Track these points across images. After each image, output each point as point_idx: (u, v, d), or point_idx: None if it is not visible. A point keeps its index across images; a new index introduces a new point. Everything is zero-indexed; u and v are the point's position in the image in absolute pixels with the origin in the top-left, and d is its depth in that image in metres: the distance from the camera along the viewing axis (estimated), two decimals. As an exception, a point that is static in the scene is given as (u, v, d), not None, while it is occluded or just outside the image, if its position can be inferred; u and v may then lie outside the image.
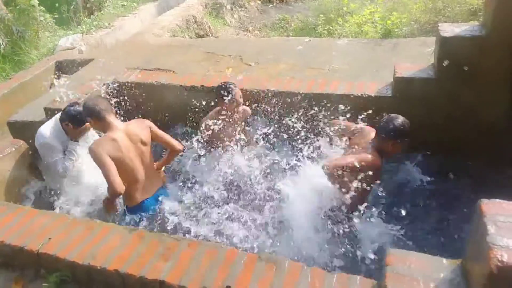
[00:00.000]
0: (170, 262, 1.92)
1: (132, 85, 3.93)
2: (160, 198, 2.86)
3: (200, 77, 3.82)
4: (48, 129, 3.04)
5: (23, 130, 3.55)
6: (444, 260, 1.73)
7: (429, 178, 3.09)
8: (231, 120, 3.19)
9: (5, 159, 2.96)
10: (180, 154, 3.05)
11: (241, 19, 8.38)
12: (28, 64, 5.55)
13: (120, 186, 2.46)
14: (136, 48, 5.12)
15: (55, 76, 4.94)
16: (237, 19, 8.34)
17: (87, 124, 2.95)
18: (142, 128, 2.73)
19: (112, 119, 2.64)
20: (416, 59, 3.63)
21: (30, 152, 3.16)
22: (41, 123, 3.49)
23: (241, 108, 3.24)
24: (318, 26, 6.69)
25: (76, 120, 2.94)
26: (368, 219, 2.66)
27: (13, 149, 3.03)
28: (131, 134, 2.65)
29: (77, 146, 3.09)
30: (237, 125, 3.26)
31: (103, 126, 2.64)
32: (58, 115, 3.08)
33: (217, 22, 7.73)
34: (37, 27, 6.14)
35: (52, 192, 3.18)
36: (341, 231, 2.60)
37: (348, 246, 2.67)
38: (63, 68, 4.97)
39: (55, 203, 3.05)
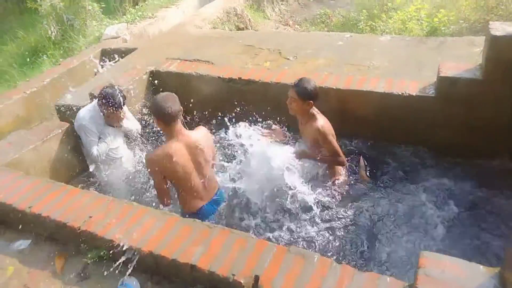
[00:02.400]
0: (202, 247, 1.97)
1: (172, 74, 4.03)
2: (217, 202, 2.85)
3: (238, 70, 3.86)
4: (86, 112, 3.19)
5: (69, 113, 3.74)
6: (481, 267, 1.67)
7: (464, 183, 2.99)
8: None
9: (52, 140, 3.13)
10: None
11: (281, 13, 8.34)
12: (76, 51, 5.81)
13: (165, 200, 2.62)
14: (177, 39, 5.23)
15: (100, 63, 5.16)
16: (278, 13, 8.30)
17: (121, 111, 3.05)
18: (204, 137, 2.70)
19: (177, 125, 2.54)
20: (463, 59, 3.48)
21: (74, 134, 3.31)
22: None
23: None
24: (360, 21, 6.54)
25: (106, 102, 2.99)
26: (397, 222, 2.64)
27: (60, 130, 3.19)
28: (192, 145, 2.59)
29: (111, 131, 3.21)
30: None
31: (165, 129, 2.57)
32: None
33: (257, 15, 7.73)
34: (85, 16, 6.40)
35: (92, 173, 3.35)
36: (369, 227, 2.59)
37: (377, 243, 2.65)
38: (108, 55, 5.16)
39: (94, 184, 3.21)
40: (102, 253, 2.16)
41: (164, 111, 2.44)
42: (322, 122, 2.81)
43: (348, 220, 2.83)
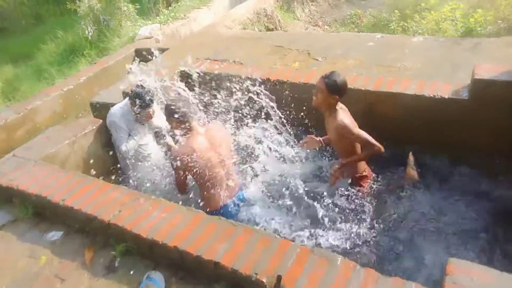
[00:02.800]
0: (226, 245, 2.00)
1: (202, 74, 4.09)
2: (240, 201, 2.87)
3: (267, 70, 3.87)
4: (117, 109, 3.30)
5: (103, 110, 3.87)
6: (512, 277, 1.61)
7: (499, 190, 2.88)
8: None
9: (86, 135, 3.26)
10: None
11: (311, 14, 8.29)
12: (111, 50, 6.00)
13: (182, 192, 2.76)
14: (208, 39, 5.30)
15: (134, 63, 5.31)
16: (307, 13, 8.26)
17: (150, 109, 3.13)
18: (222, 131, 2.79)
19: (194, 123, 2.68)
20: (500, 61, 3.34)
21: (107, 131, 3.43)
22: (119, 105, 3.79)
23: None
24: (392, 22, 6.42)
25: (137, 101, 3.10)
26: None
27: (94, 127, 3.32)
28: (211, 139, 2.70)
29: (141, 128, 3.30)
30: None
31: (183, 129, 2.68)
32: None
33: (287, 16, 7.72)
34: (120, 16, 6.60)
35: (122, 169, 3.45)
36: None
37: (400, 247, 2.60)
38: (142, 55, 5.30)
39: (124, 179, 3.31)
40: (129, 247, 2.23)
41: (180, 111, 2.60)
42: (342, 116, 2.75)
43: (371, 221, 2.78)
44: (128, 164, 3.36)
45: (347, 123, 2.72)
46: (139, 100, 3.08)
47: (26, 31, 8.68)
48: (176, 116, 2.63)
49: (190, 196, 2.90)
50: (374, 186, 3.02)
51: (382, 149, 2.76)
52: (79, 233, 2.45)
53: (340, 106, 2.85)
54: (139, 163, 3.34)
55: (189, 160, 2.58)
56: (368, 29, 6.86)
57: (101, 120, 3.43)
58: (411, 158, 3.12)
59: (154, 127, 3.41)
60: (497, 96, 2.82)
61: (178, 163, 2.59)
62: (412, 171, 3.08)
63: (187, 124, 2.66)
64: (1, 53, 7.58)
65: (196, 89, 3.96)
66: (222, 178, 2.76)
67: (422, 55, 3.88)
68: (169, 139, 2.96)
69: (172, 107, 2.65)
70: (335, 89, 2.68)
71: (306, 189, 2.92)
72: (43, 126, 3.97)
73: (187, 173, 2.69)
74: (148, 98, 3.09)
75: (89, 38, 6.50)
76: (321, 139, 3.08)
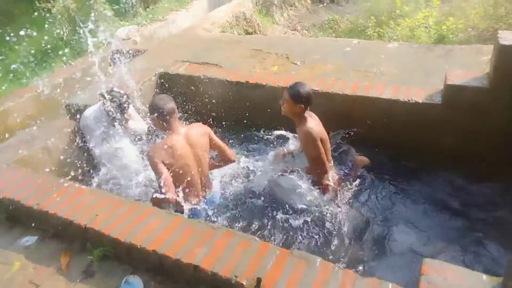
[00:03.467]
0: (205, 248, 1.99)
1: (180, 77, 4.08)
2: (210, 204, 2.88)
3: (246, 73, 3.89)
4: (91, 111, 3.25)
5: (78, 112, 3.79)
6: (484, 276, 1.67)
7: (468, 191, 2.99)
8: None
9: (61, 138, 3.19)
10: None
11: (290, 18, 8.38)
12: (86, 52, 5.88)
13: (172, 192, 2.56)
14: (186, 42, 5.28)
15: (111, 65, 5.22)
16: (286, 18, 8.35)
17: (126, 112, 3.11)
18: (202, 134, 2.79)
19: (175, 122, 2.69)
20: (470, 67, 3.48)
21: (82, 133, 3.36)
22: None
23: None
24: (368, 28, 6.56)
25: (112, 105, 3.08)
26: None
27: (69, 129, 3.24)
28: (190, 139, 2.70)
29: (115, 131, 3.25)
30: None
31: (164, 127, 2.68)
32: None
33: (266, 20, 7.78)
34: (97, 17, 6.49)
35: (98, 172, 3.39)
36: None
37: (375, 246, 2.65)
38: (118, 57, 5.22)
39: (99, 183, 3.25)
40: (107, 251, 2.19)
41: (163, 108, 2.59)
42: (310, 125, 2.79)
43: (345, 224, 2.82)
44: (103, 166, 3.30)
45: (308, 134, 2.76)
46: (114, 103, 3.03)
47: (-4, 30, 8.38)
48: (158, 113, 2.62)
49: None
50: (343, 191, 3.06)
51: (327, 167, 2.87)
52: (54, 238, 2.39)
53: (310, 115, 2.90)
54: (116, 166, 3.29)
55: (166, 158, 2.57)
56: (346, 35, 6.99)
57: (75, 122, 3.35)
58: (351, 150, 3.23)
59: (130, 130, 3.36)
60: (469, 101, 2.93)
61: (155, 160, 2.55)
62: (360, 157, 3.18)
63: (167, 123, 2.65)
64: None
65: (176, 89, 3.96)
66: (197, 180, 2.77)
67: (397, 61, 3.99)
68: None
69: (156, 104, 2.63)
70: (299, 99, 2.74)
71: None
72: (16, 129, 3.85)
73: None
74: (124, 101, 3.05)
75: (64, 38, 6.36)
76: (285, 151, 3.13)
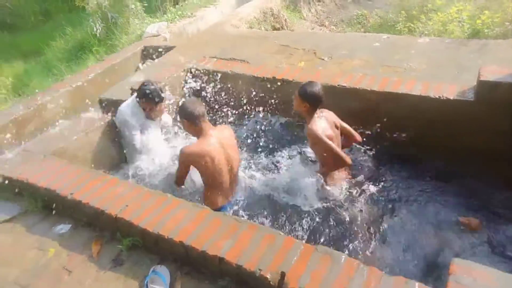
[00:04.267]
0: (230, 241, 2.03)
1: (208, 72, 4.13)
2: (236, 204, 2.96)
3: (272, 69, 3.90)
4: (127, 107, 3.34)
5: (111, 107, 3.92)
6: (516, 278, 1.63)
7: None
8: None
9: (95, 131, 3.30)
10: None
11: (317, 13, 8.29)
12: (118, 48, 6.05)
13: (179, 185, 2.84)
14: (214, 38, 5.34)
15: (141, 60, 5.35)
16: (314, 13, 8.26)
17: (162, 105, 3.18)
18: (231, 135, 2.87)
19: (205, 125, 2.74)
20: (506, 63, 3.34)
21: (115, 127, 3.47)
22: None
23: None
24: (399, 23, 6.41)
25: (148, 98, 3.17)
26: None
27: (102, 123, 3.36)
28: (222, 141, 2.77)
29: (151, 124, 3.36)
30: None
31: (195, 130, 2.75)
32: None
33: (294, 16, 7.73)
34: (128, 14, 6.64)
35: (130, 165, 3.50)
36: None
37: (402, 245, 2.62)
38: (149, 53, 5.35)
39: (130, 174, 3.36)
40: (136, 241, 2.26)
41: (192, 112, 2.66)
42: (313, 125, 2.82)
43: (363, 222, 2.83)
44: (135, 159, 3.41)
45: (312, 133, 2.78)
46: (151, 96, 3.14)
47: (35, 28, 8.74)
48: (188, 118, 2.69)
49: (189, 191, 3.01)
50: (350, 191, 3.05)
51: (349, 161, 2.85)
52: (86, 227, 2.49)
53: (320, 115, 2.91)
54: (149, 158, 3.39)
55: (200, 161, 2.65)
56: (374, 30, 6.85)
57: (109, 116, 3.47)
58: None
59: (164, 123, 3.46)
60: (503, 99, 2.83)
61: (187, 161, 2.67)
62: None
63: (198, 126, 2.71)
64: (11, 49, 7.65)
65: (209, 89, 4.03)
66: (227, 181, 2.82)
67: (428, 56, 3.89)
68: None
69: (186, 108, 2.70)
70: (305, 97, 2.82)
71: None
72: (52, 121, 4.02)
73: (190, 169, 2.77)
74: (159, 94, 3.15)
75: (97, 35, 6.54)
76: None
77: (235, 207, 2.95)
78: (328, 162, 2.88)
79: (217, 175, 2.72)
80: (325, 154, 2.83)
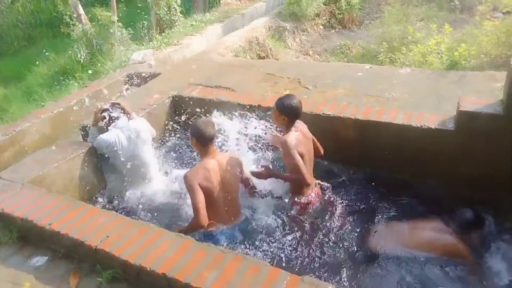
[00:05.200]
0: (215, 272, 1.98)
1: (193, 100, 4.14)
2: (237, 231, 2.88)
3: (258, 97, 3.94)
4: (108, 135, 3.30)
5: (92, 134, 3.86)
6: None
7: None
8: None
9: (74, 159, 3.22)
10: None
11: (302, 43, 8.50)
12: (102, 74, 6.04)
13: (205, 219, 2.58)
14: (200, 66, 5.38)
15: (125, 87, 5.34)
16: (298, 43, 8.47)
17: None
18: (235, 164, 2.88)
19: (212, 148, 2.78)
20: (483, 94, 3.47)
21: (98, 155, 3.40)
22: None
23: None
24: (380, 53, 6.61)
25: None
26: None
27: (83, 150, 3.29)
28: (223, 167, 2.77)
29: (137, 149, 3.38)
30: None
31: (201, 150, 2.78)
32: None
33: (279, 45, 7.90)
34: (113, 41, 6.69)
35: (113, 195, 3.42)
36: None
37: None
38: (133, 80, 5.35)
39: (112, 204, 3.29)
40: (116, 273, 2.18)
41: (204, 133, 2.70)
42: (288, 138, 2.83)
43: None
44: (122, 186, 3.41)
45: (286, 143, 2.80)
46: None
47: (17, 53, 8.71)
48: (198, 137, 2.72)
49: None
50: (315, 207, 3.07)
51: (307, 180, 2.88)
52: (64, 259, 2.39)
53: (297, 128, 2.94)
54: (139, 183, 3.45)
55: (202, 180, 2.64)
56: (357, 60, 7.05)
57: (90, 144, 3.40)
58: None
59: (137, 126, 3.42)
60: (482, 128, 2.91)
61: (195, 182, 2.61)
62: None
63: (205, 147, 2.75)
64: (-9, 73, 7.57)
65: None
66: (221, 206, 2.78)
67: (410, 86, 4.00)
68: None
69: (198, 127, 2.72)
70: (283, 110, 2.86)
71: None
72: (32, 149, 3.92)
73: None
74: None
75: (81, 61, 6.54)
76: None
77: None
78: (293, 176, 2.91)
79: (212, 199, 2.69)
80: (291, 168, 2.88)
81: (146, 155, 3.46)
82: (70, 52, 6.77)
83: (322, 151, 3.20)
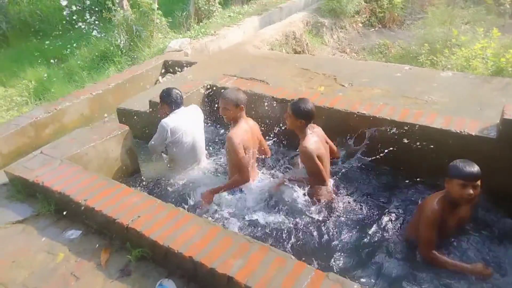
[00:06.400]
0: (240, 260, 1.99)
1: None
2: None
3: (292, 91, 3.91)
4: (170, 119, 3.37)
5: (129, 117, 3.97)
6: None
7: None
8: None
9: (111, 140, 3.32)
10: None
11: (339, 40, 8.38)
12: (140, 60, 6.18)
13: (249, 175, 2.99)
14: (235, 57, 5.41)
15: (162, 74, 5.45)
16: (336, 40, 8.35)
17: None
18: (257, 127, 3.26)
19: (243, 112, 3.05)
20: (530, 102, 3.30)
21: (132, 138, 3.50)
22: (145, 113, 3.87)
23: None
24: (421, 55, 6.41)
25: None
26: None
27: (119, 132, 3.38)
28: (254, 129, 3.15)
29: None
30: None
31: (237, 114, 3.01)
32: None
33: (315, 41, 7.83)
34: (152, 28, 6.81)
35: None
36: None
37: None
38: (170, 67, 5.44)
39: (144, 186, 3.37)
40: (145, 253, 2.24)
41: (239, 99, 2.97)
42: (308, 142, 2.89)
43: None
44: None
45: (307, 150, 2.86)
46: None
47: (60, 35, 9.01)
48: (239, 103, 2.96)
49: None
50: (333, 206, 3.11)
51: (327, 183, 3.01)
52: (97, 234, 2.49)
53: (312, 130, 3.00)
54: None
55: (245, 141, 2.95)
56: (396, 60, 6.87)
57: (126, 126, 3.50)
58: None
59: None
60: (526, 138, 2.77)
61: (240, 144, 2.90)
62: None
63: (241, 112, 3.02)
64: (36, 53, 7.88)
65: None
66: (253, 164, 3.20)
67: (450, 90, 3.86)
68: None
69: (237, 95, 2.97)
70: (299, 114, 2.89)
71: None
72: (70, 127, 4.08)
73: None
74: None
75: (121, 46, 6.71)
76: (283, 181, 3.17)
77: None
78: (313, 178, 3.00)
79: (248, 158, 3.00)
80: (311, 171, 2.96)
81: (202, 137, 3.57)
82: (110, 37, 6.95)
83: (338, 154, 3.33)
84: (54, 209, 2.67)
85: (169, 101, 3.36)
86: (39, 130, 3.98)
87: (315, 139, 2.96)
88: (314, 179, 3.00)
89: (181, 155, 3.44)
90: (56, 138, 3.51)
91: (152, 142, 3.43)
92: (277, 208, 3.10)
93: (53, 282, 2.16)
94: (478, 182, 2.40)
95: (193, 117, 3.47)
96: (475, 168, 2.39)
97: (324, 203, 3.09)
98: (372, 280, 2.55)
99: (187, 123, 3.37)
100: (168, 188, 3.42)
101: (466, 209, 2.62)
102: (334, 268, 2.61)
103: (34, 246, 2.42)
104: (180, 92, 3.43)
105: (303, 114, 2.88)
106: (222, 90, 3.14)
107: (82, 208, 2.46)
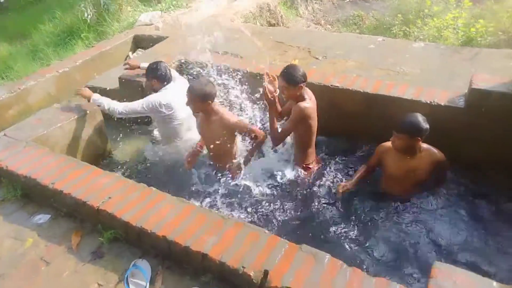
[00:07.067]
0: (214, 237, 1.99)
1: (200, 65, 4.07)
2: None
3: (266, 66, 3.85)
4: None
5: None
6: (494, 283, 1.64)
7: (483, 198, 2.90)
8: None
9: (79, 120, 3.21)
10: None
11: (314, 12, 8.26)
12: (109, 35, 5.93)
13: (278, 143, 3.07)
14: (209, 31, 5.24)
15: (132, 49, 5.26)
16: (310, 11, 8.23)
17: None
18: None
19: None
20: (498, 72, 3.36)
21: (102, 118, 3.39)
22: (115, 91, 3.75)
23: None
24: (394, 26, 6.41)
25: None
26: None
27: (88, 111, 3.27)
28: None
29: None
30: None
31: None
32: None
33: (290, 13, 7.69)
34: (121, 1, 6.52)
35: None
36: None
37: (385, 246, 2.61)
38: (140, 42, 5.25)
39: (116, 166, 3.29)
40: (117, 234, 2.21)
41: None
42: (307, 103, 2.89)
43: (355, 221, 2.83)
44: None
45: (308, 110, 2.87)
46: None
47: (24, 10, 8.53)
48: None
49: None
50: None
51: (277, 143, 3.06)
52: (66, 218, 2.43)
53: (307, 94, 2.97)
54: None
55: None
56: (370, 31, 6.85)
57: (95, 105, 3.38)
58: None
59: None
60: (493, 107, 2.84)
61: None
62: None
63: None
64: (-3, 30, 7.45)
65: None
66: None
67: (422, 61, 3.89)
68: None
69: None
70: (297, 81, 2.83)
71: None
72: (36, 107, 3.92)
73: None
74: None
75: (88, 21, 6.40)
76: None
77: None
78: (303, 141, 3.04)
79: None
80: (304, 134, 2.98)
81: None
82: (77, 11, 6.61)
83: None
84: (20, 193, 2.58)
85: (158, 75, 3.26)
86: (2, 111, 3.81)
87: (312, 104, 2.94)
88: (300, 144, 3.06)
89: (175, 130, 3.39)
90: (21, 120, 3.36)
91: (133, 106, 3.21)
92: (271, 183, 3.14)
93: (22, 268, 2.11)
94: (402, 135, 2.65)
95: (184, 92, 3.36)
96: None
97: (315, 170, 3.16)
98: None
99: (180, 99, 3.24)
100: (142, 167, 3.36)
101: (415, 162, 2.77)
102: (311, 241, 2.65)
103: (1, 232, 2.34)
104: (167, 64, 3.32)
105: (300, 80, 2.84)
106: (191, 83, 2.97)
107: (50, 191, 2.39)
